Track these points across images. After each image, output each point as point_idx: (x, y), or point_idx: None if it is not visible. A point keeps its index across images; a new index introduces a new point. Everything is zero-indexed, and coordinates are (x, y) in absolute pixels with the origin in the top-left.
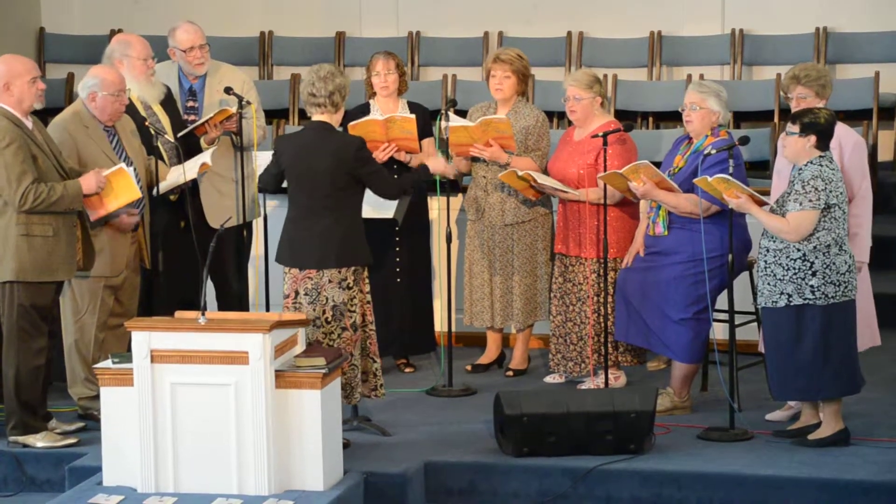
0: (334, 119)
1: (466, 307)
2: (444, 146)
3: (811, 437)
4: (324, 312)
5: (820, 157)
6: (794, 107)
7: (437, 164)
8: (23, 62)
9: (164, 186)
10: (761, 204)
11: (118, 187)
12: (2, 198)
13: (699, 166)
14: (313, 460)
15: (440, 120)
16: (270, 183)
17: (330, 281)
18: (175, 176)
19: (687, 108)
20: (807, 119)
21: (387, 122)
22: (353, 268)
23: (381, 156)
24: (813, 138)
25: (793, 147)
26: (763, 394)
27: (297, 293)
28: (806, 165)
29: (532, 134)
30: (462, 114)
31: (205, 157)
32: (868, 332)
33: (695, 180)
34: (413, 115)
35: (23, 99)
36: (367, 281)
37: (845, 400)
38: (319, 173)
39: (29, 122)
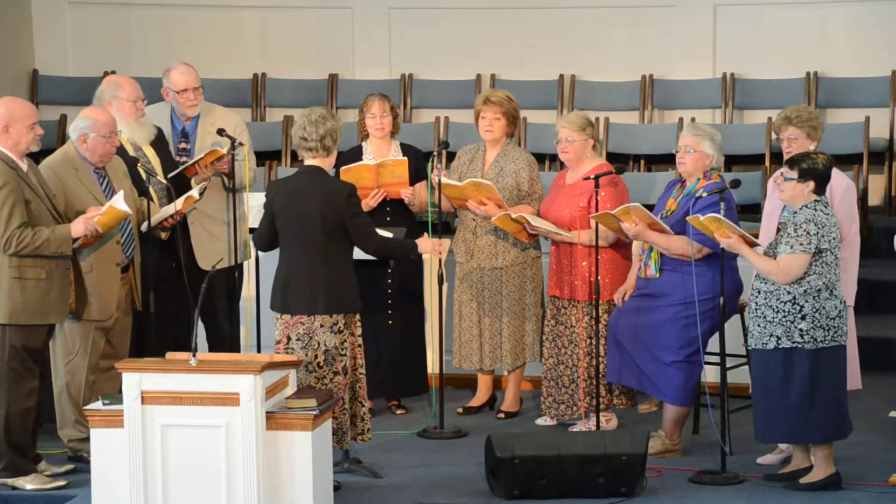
0: (326, 163)
1: (455, 349)
2: (434, 189)
3: (803, 480)
4: (315, 357)
5: (815, 201)
6: (786, 147)
7: (425, 245)
8: (23, 106)
9: (154, 220)
10: (752, 245)
11: (107, 217)
12: None
13: (690, 209)
14: (304, 502)
15: (431, 162)
16: (265, 236)
17: (321, 326)
18: (164, 212)
19: (681, 150)
20: (805, 165)
21: (378, 167)
22: (343, 312)
23: (370, 202)
24: (812, 184)
25: (791, 192)
26: (754, 437)
27: (289, 338)
28: (801, 209)
29: (523, 179)
30: (451, 155)
31: (192, 191)
32: (850, 376)
33: (688, 218)
34: (405, 158)
35: (19, 142)
36: (358, 324)
37: (837, 444)
38: (310, 218)
39: (24, 165)
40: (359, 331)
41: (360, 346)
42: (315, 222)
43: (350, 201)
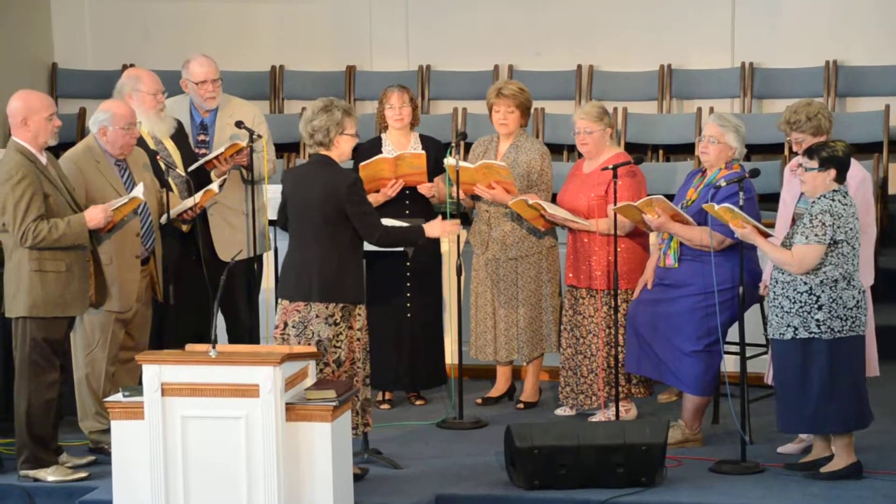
0: (334, 153)
1: (471, 340)
2: (453, 180)
3: (823, 469)
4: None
5: (834, 191)
6: (795, 148)
7: (433, 229)
8: (40, 98)
9: (173, 212)
10: (766, 236)
11: (124, 207)
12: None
13: (709, 199)
14: (324, 493)
15: (449, 153)
16: (283, 221)
17: (317, 316)
18: (183, 205)
19: (705, 139)
20: (825, 153)
21: (397, 159)
22: (341, 304)
23: (389, 192)
24: (833, 172)
25: (812, 182)
26: (774, 426)
27: (286, 324)
28: (818, 199)
29: (535, 169)
30: (467, 146)
31: (212, 185)
32: (867, 362)
33: (703, 206)
34: (423, 152)
35: (38, 134)
36: (359, 317)
37: (857, 433)
38: (311, 205)
39: (44, 158)
40: (359, 324)
41: (358, 339)
42: (314, 210)
43: (351, 190)
